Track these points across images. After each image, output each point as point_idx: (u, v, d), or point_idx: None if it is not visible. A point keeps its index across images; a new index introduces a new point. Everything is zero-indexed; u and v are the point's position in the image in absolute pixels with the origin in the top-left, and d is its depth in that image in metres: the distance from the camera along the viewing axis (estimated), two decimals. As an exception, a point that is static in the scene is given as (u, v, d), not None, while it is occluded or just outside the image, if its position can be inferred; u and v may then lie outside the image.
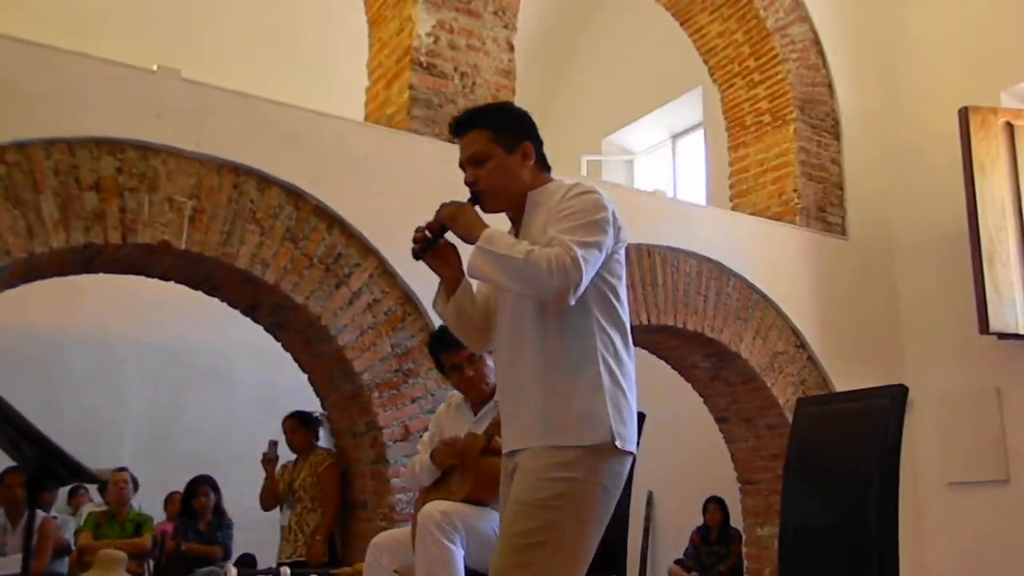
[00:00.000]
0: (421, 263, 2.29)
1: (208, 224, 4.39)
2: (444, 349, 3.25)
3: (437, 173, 4.71)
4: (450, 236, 2.23)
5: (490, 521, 2.97)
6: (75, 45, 4.35)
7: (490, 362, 3.20)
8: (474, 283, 2.32)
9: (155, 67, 4.46)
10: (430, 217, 2.24)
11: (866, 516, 2.52)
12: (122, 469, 6.17)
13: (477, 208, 2.24)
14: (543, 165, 2.33)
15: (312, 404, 5.35)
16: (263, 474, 5.26)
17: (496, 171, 2.25)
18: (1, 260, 3.95)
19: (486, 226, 2.15)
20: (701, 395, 6.65)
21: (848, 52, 7.18)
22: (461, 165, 2.29)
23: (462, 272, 2.27)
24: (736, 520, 6.90)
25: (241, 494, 5.90)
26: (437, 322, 3.55)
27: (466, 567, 2.93)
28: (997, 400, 6.39)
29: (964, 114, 6.27)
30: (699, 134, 8.95)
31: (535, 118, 2.38)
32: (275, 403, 6.02)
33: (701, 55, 7.14)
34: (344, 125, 4.97)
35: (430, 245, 2.23)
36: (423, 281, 4.39)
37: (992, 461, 6.36)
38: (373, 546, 3.21)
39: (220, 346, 8.10)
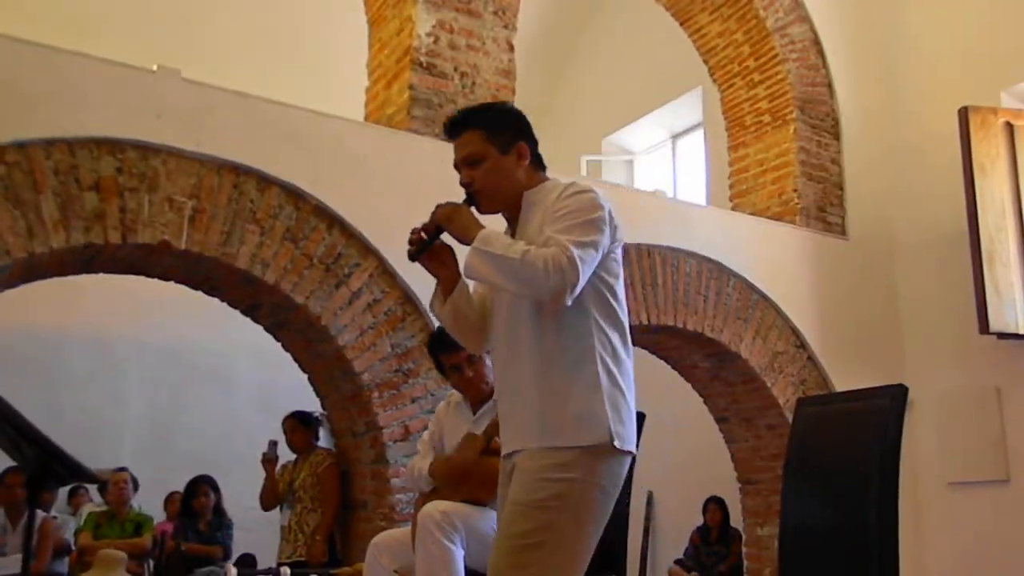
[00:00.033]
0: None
1: (208, 224, 4.39)
2: (443, 350, 3.25)
3: (437, 173, 4.69)
4: (446, 237, 2.22)
5: (490, 521, 2.96)
6: (75, 45, 4.35)
7: (489, 362, 3.20)
8: (471, 284, 2.31)
9: (155, 67, 4.46)
10: (427, 218, 2.23)
11: (866, 516, 2.52)
12: (122, 469, 6.17)
13: (473, 209, 2.23)
14: (538, 164, 2.32)
15: (312, 404, 5.35)
16: (263, 474, 5.27)
17: (491, 172, 2.24)
18: (1, 260, 3.95)
19: (482, 227, 2.14)
20: (701, 395, 6.65)
21: (848, 52, 7.18)
22: (456, 166, 2.28)
23: (458, 273, 2.26)
24: (736, 520, 6.90)
25: (241, 494, 5.90)
26: (436, 322, 3.55)
27: (466, 567, 2.93)
28: (997, 400, 6.39)
29: (964, 114, 6.27)
30: (699, 134, 8.94)
31: (535, 118, 2.37)
32: (275, 403, 6.02)
33: (701, 55, 7.13)
34: (344, 125, 4.97)
35: (426, 247, 2.22)
36: (423, 281, 4.35)
37: (992, 461, 6.36)
38: (373, 546, 3.21)
39: (220, 346, 8.10)
